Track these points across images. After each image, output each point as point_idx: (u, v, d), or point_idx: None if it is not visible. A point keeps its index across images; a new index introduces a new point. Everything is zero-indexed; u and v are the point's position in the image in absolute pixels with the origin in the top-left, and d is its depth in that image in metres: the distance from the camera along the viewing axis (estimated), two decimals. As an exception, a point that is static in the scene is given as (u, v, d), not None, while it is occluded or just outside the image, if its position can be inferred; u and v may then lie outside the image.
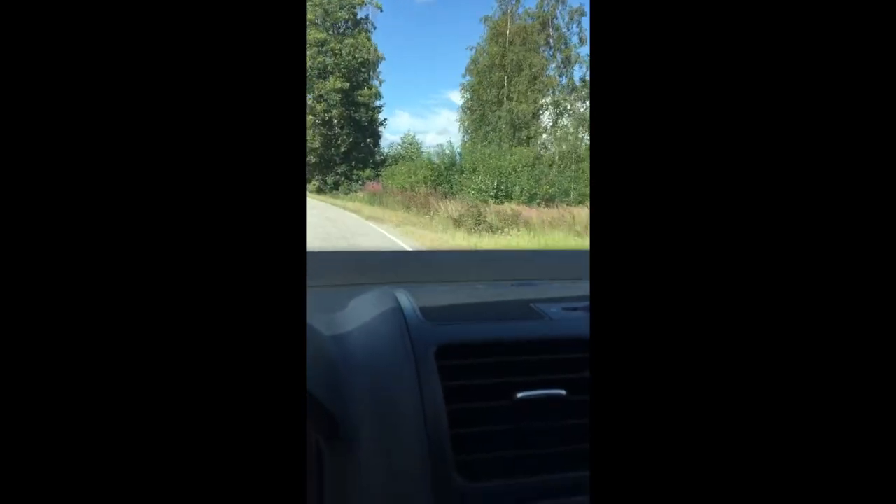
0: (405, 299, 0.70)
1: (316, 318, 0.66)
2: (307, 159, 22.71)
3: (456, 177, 15.27)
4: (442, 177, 15.94)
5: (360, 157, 22.20)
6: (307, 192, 23.28)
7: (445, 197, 14.39)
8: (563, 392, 0.54)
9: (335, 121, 21.49)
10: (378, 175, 21.69)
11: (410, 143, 23.11)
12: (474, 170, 14.65)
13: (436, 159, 17.44)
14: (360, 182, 22.76)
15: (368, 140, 22.80)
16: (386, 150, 23.74)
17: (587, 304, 0.69)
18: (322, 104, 21.49)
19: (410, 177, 16.38)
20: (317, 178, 23.27)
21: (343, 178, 22.17)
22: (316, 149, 22.32)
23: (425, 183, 15.83)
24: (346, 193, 21.34)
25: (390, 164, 21.98)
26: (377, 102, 22.48)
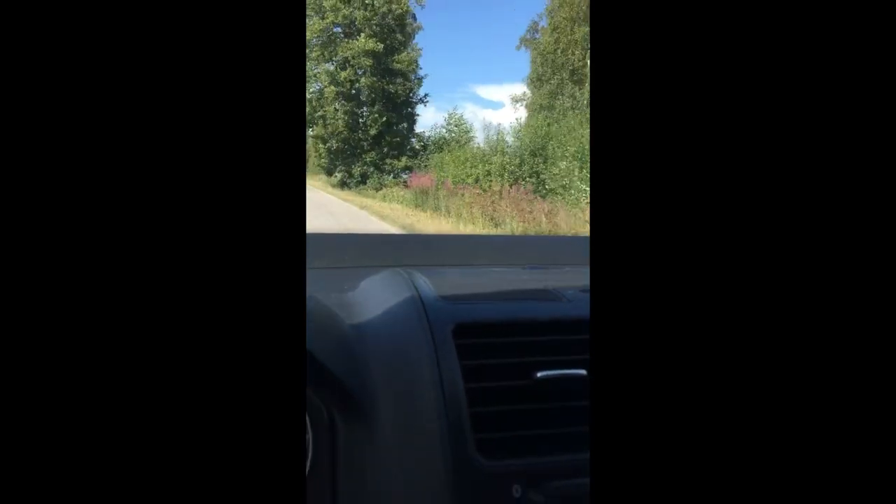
0: (420, 279, 0.67)
1: (327, 296, 0.66)
2: (328, 144, 17.79)
3: (543, 165, 9.85)
4: (525, 166, 10.22)
5: (394, 141, 17.37)
6: (327, 189, 18.30)
7: (537, 197, 9.68)
8: (583, 372, 0.54)
9: (364, 94, 16.50)
10: (418, 165, 16.83)
11: (458, 125, 17.74)
12: (563, 156, 9.03)
13: (511, 140, 11.64)
14: (393, 175, 18.01)
15: (403, 124, 17.77)
16: (428, 133, 18.45)
17: None
18: (347, 72, 16.39)
19: (476, 166, 10.71)
20: (340, 169, 18.45)
21: (373, 170, 17.30)
22: (339, 131, 17.57)
23: (501, 175, 10.04)
24: (378, 189, 16.52)
25: (433, 152, 16.96)
26: (418, 72, 17.57)
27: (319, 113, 17.04)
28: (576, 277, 0.77)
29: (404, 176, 18.39)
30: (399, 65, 16.84)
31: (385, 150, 17.43)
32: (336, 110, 16.83)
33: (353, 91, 16.82)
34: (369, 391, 0.54)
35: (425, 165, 17.40)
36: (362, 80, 16.59)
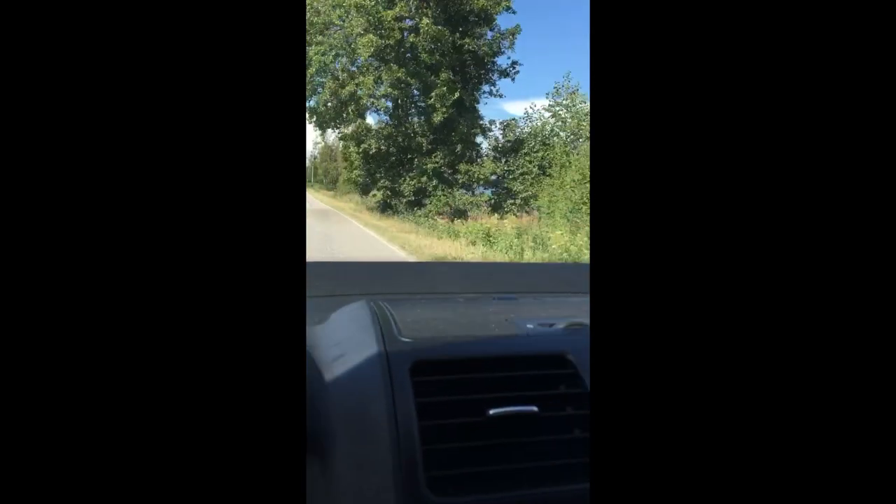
0: (383, 312, 0.71)
1: None
2: (364, 146, 11.09)
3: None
4: None
5: (469, 139, 10.50)
6: (360, 215, 12.54)
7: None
8: (535, 408, 0.56)
9: (424, 59, 9.60)
10: (511, 175, 9.85)
11: (570, 106, 10.56)
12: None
13: None
14: (468, 190, 11.04)
15: (481, 104, 10.83)
16: (524, 125, 11.23)
17: (565, 321, 0.70)
18: (399, 7, 9.58)
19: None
20: (380, 181, 11.74)
21: (436, 188, 10.48)
22: (378, 129, 11.07)
23: None
24: (445, 214, 9.73)
25: (531, 154, 9.94)
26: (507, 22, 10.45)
27: (348, 89, 10.09)
28: (541, 308, 0.83)
29: (487, 192, 11.27)
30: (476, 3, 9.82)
31: (457, 148, 10.41)
32: (378, 82, 9.96)
33: (405, 47, 9.86)
34: (325, 426, 0.55)
35: (521, 177, 10.46)
36: (423, 24, 9.51)
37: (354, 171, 13.08)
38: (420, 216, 10.10)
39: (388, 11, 9.21)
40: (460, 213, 10.01)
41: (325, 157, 29.04)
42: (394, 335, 0.62)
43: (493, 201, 10.48)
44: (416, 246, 8.04)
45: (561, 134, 10.44)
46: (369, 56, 9.43)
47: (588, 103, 9.66)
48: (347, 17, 9.40)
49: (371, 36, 9.07)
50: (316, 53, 10.24)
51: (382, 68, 9.62)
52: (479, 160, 10.83)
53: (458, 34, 9.86)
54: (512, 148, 10.78)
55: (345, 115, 10.84)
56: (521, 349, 0.63)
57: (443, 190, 10.47)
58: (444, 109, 9.69)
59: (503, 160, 10.71)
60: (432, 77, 9.60)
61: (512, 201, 10.24)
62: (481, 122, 10.82)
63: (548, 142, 10.29)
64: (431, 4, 9.32)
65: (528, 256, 7.45)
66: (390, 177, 11.50)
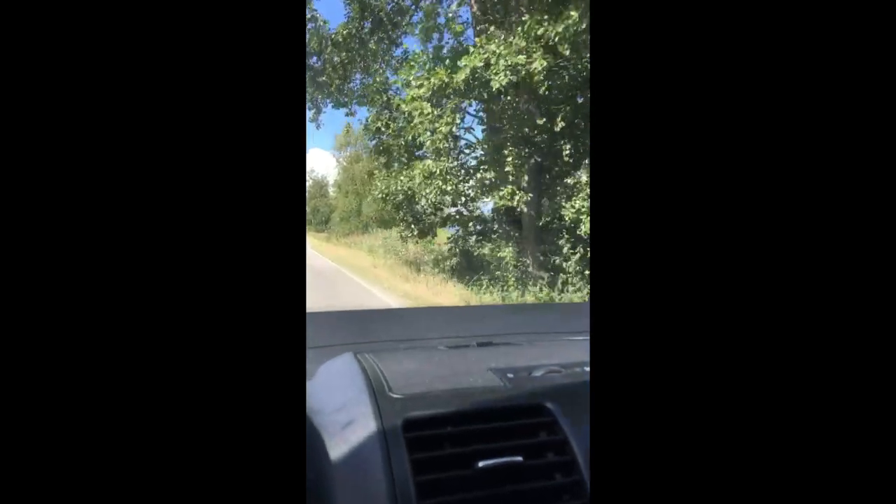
0: (372, 367, 0.74)
1: None
2: (452, 166, 6.54)
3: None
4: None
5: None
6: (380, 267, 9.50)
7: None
8: (519, 458, 0.58)
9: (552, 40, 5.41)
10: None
11: None
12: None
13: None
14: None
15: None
16: None
17: (541, 368, 0.75)
18: None
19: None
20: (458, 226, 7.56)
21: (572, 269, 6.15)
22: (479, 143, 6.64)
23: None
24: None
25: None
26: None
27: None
28: (518, 354, 0.85)
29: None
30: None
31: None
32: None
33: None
34: (324, 484, 0.55)
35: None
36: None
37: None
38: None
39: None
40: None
41: (314, 193, 24.59)
42: (385, 392, 0.64)
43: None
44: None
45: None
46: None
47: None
48: None
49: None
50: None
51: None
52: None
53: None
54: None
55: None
56: (503, 401, 0.65)
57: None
58: (566, 111, 5.58)
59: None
60: (566, 55, 5.51)
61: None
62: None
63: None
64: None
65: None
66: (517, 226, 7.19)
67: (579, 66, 5.71)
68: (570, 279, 6.30)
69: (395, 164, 8.17)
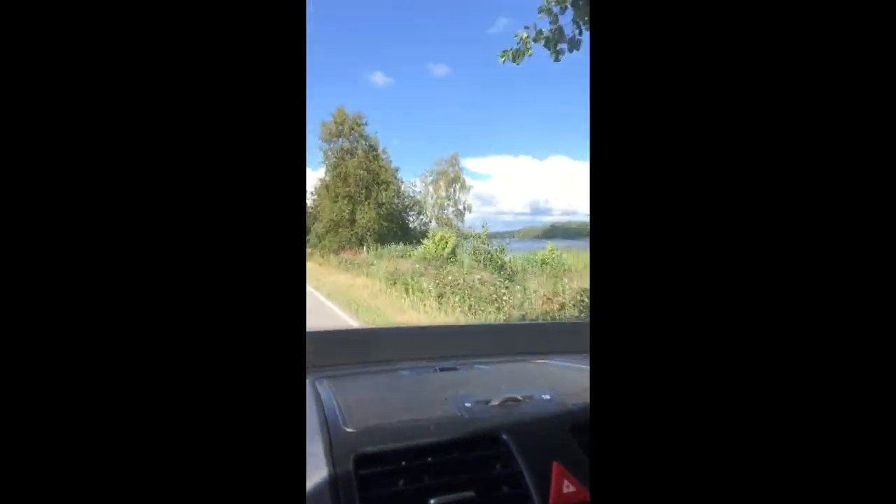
0: (328, 397, 0.71)
1: None
2: None
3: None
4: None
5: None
6: None
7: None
8: (471, 493, 0.57)
9: None
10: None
11: None
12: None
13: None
14: None
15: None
16: None
17: (500, 396, 0.72)
18: None
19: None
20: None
21: None
22: None
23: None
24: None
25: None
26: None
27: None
28: (479, 381, 0.84)
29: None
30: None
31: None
32: None
33: None
34: None
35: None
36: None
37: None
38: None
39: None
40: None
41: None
42: (338, 425, 0.64)
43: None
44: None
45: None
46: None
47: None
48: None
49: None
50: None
51: None
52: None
53: None
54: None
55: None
56: (457, 433, 0.63)
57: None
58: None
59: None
60: None
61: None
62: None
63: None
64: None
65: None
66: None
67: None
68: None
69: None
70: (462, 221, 20.23)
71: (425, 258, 10.10)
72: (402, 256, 11.90)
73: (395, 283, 7.87)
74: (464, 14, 39.29)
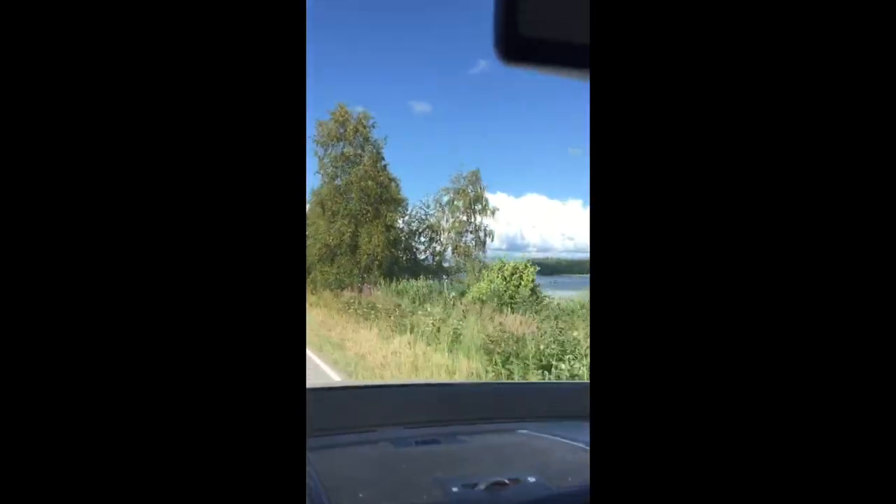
0: (314, 480, 0.72)
1: None
2: None
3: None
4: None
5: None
6: None
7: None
8: None
9: None
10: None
11: None
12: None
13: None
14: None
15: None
16: None
17: (486, 480, 0.72)
18: None
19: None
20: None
21: None
22: None
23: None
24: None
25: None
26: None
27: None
28: (463, 457, 0.83)
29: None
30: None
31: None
32: None
33: None
34: None
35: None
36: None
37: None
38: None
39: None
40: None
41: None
42: None
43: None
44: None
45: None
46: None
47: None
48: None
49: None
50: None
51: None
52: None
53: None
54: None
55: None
56: None
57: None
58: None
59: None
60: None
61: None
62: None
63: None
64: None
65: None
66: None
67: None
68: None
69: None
70: (484, 252, 16.64)
71: (483, 299, 6.52)
72: (430, 296, 8.26)
73: (488, 354, 4.25)
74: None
